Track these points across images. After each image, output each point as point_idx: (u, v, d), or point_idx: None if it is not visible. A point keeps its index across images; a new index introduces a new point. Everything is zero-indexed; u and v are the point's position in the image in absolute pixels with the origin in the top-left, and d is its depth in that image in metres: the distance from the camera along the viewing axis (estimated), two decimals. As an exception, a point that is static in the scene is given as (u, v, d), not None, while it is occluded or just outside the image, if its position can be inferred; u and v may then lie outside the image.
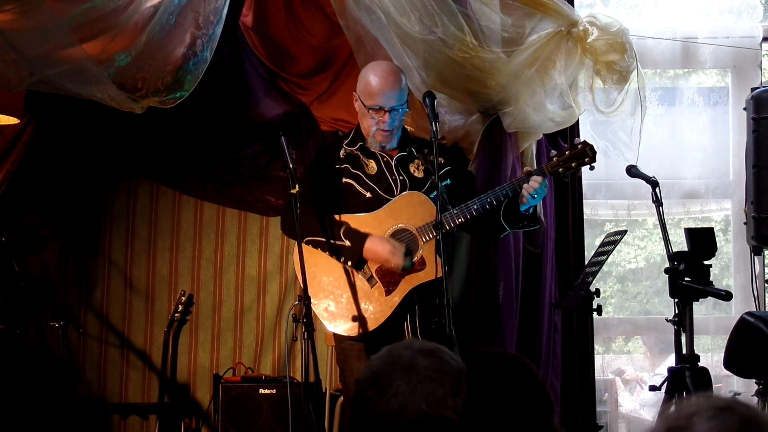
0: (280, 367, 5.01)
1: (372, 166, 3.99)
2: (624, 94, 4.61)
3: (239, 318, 5.11)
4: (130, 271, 5.13)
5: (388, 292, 3.87)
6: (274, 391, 4.62)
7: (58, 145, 4.92)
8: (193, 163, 5.02)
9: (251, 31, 4.98)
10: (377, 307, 3.86)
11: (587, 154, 3.98)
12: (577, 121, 4.87)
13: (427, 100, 3.86)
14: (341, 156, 4.01)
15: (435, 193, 3.83)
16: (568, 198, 4.94)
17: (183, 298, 4.61)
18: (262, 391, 4.61)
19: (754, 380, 4.39)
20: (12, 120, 4.66)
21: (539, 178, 3.88)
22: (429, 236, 3.86)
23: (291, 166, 3.90)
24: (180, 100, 4.27)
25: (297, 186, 3.88)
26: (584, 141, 4.02)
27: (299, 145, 4.85)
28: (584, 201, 5.07)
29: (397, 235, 3.89)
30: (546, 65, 4.46)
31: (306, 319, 3.80)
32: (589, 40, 4.46)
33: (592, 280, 3.99)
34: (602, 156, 5.12)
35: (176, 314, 4.58)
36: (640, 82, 4.60)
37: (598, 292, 3.99)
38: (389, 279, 3.88)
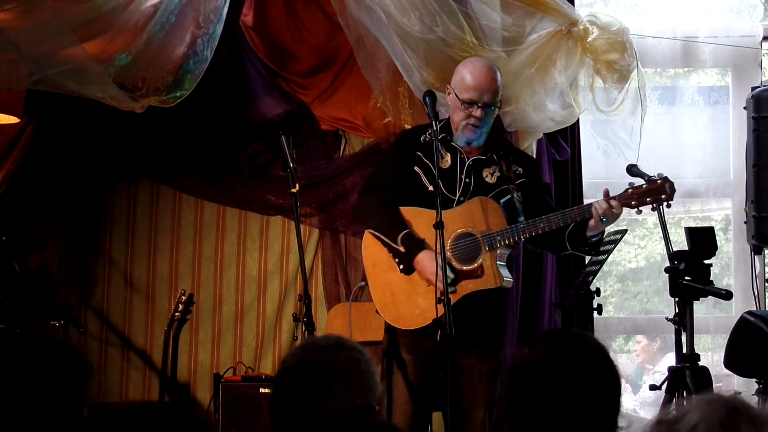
0: (281, 366, 5.01)
1: (447, 160, 3.93)
2: (624, 94, 4.61)
3: (239, 317, 5.11)
4: (130, 270, 5.13)
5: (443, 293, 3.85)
6: (273, 390, 4.61)
7: (58, 144, 4.92)
8: (194, 163, 5.02)
9: (251, 30, 4.98)
10: (429, 306, 3.83)
11: (665, 191, 3.77)
12: (578, 120, 4.87)
13: (427, 99, 3.85)
14: (420, 141, 3.95)
15: (506, 198, 3.86)
16: (569, 197, 4.94)
17: (183, 298, 4.62)
18: (262, 390, 4.60)
19: (754, 379, 4.39)
20: (12, 119, 4.66)
21: (606, 205, 3.77)
22: (491, 245, 3.81)
23: (291, 165, 3.90)
24: (180, 99, 4.28)
25: (297, 185, 3.88)
26: (665, 177, 3.80)
27: (299, 145, 4.85)
28: (584, 200, 5.06)
29: (462, 238, 3.85)
30: (546, 64, 4.47)
31: (306, 318, 3.80)
32: (589, 39, 4.46)
33: (593, 279, 3.99)
34: (602, 155, 5.13)
35: (176, 314, 4.58)
36: (641, 81, 4.60)
37: (598, 292, 3.98)
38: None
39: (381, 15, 4.34)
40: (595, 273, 4.01)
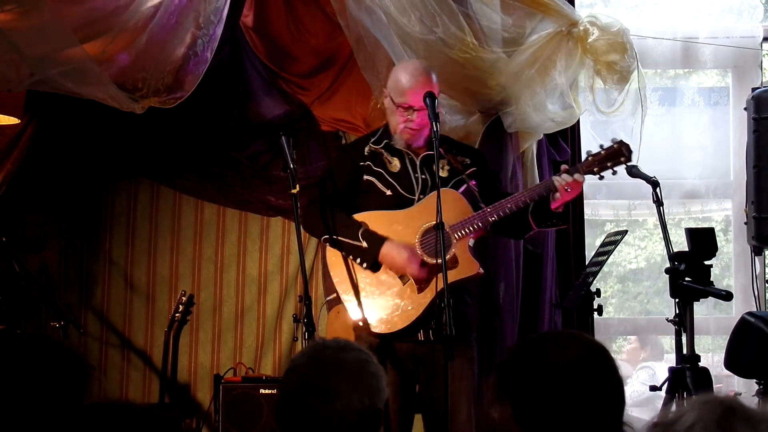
0: (281, 367, 5.01)
1: (395, 164, 3.97)
2: (624, 94, 4.61)
3: (240, 318, 5.11)
4: (130, 271, 5.12)
5: (420, 290, 3.86)
6: (274, 391, 4.61)
7: (58, 145, 4.92)
8: (194, 163, 5.02)
9: (252, 31, 4.98)
10: (409, 304, 3.85)
11: (623, 153, 3.94)
12: (578, 121, 4.87)
13: (427, 100, 3.86)
14: (365, 153, 4.00)
15: (462, 188, 3.88)
16: (569, 198, 4.94)
17: (183, 299, 4.61)
18: (262, 391, 4.60)
19: (754, 380, 4.39)
20: (13, 120, 4.66)
21: (571, 179, 3.86)
22: (461, 233, 3.84)
23: (291, 166, 3.90)
24: (180, 100, 4.27)
25: (297, 186, 3.88)
26: (620, 140, 3.97)
27: (300, 145, 4.85)
28: (585, 201, 5.06)
29: (429, 233, 3.88)
30: (546, 65, 4.46)
31: (306, 319, 3.80)
32: (589, 40, 4.46)
33: (593, 280, 3.99)
34: (602, 156, 5.12)
35: (177, 314, 4.58)
36: (641, 82, 4.60)
37: (598, 292, 3.98)
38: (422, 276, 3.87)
39: (381, 15, 4.34)
40: (595, 274, 4.01)
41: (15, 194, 4.82)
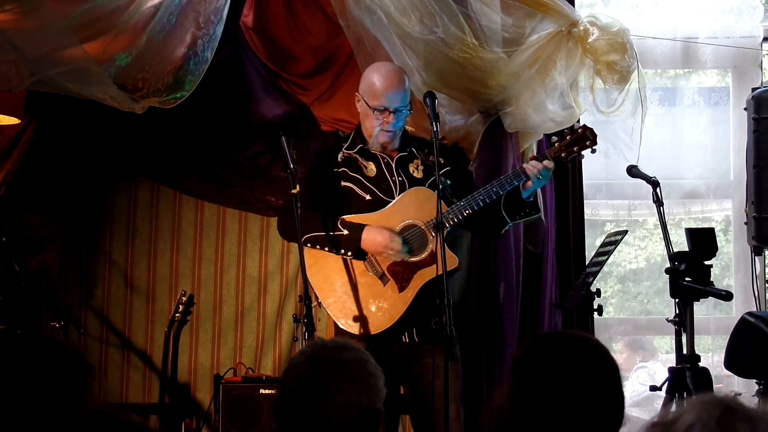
0: (281, 367, 5.01)
1: (371, 168, 3.99)
2: (624, 94, 4.61)
3: (240, 318, 5.11)
4: (130, 271, 5.12)
5: (401, 289, 3.87)
6: (274, 391, 4.61)
7: (58, 145, 4.92)
8: (194, 163, 5.02)
9: (252, 31, 4.98)
10: (391, 304, 3.86)
11: (588, 137, 4.01)
12: (578, 121, 4.86)
13: (427, 100, 3.86)
14: (339, 159, 4.01)
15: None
16: (569, 198, 4.94)
17: (183, 298, 4.61)
18: (262, 391, 4.60)
19: (754, 380, 4.40)
20: (13, 120, 4.66)
21: (541, 165, 3.91)
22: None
23: (292, 166, 3.90)
24: (180, 100, 4.27)
25: (298, 186, 3.89)
26: (584, 125, 4.04)
27: (300, 145, 4.84)
28: (585, 201, 5.06)
29: (406, 231, 3.89)
30: (546, 65, 4.47)
31: (306, 319, 3.80)
32: (589, 40, 4.46)
33: (593, 280, 3.99)
34: (603, 156, 5.12)
35: (177, 314, 4.58)
36: (641, 82, 4.60)
37: (598, 293, 3.99)
38: (401, 275, 3.88)
39: (381, 16, 4.34)
40: (595, 274, 4.02)
41: (15, 194, 4.82)
